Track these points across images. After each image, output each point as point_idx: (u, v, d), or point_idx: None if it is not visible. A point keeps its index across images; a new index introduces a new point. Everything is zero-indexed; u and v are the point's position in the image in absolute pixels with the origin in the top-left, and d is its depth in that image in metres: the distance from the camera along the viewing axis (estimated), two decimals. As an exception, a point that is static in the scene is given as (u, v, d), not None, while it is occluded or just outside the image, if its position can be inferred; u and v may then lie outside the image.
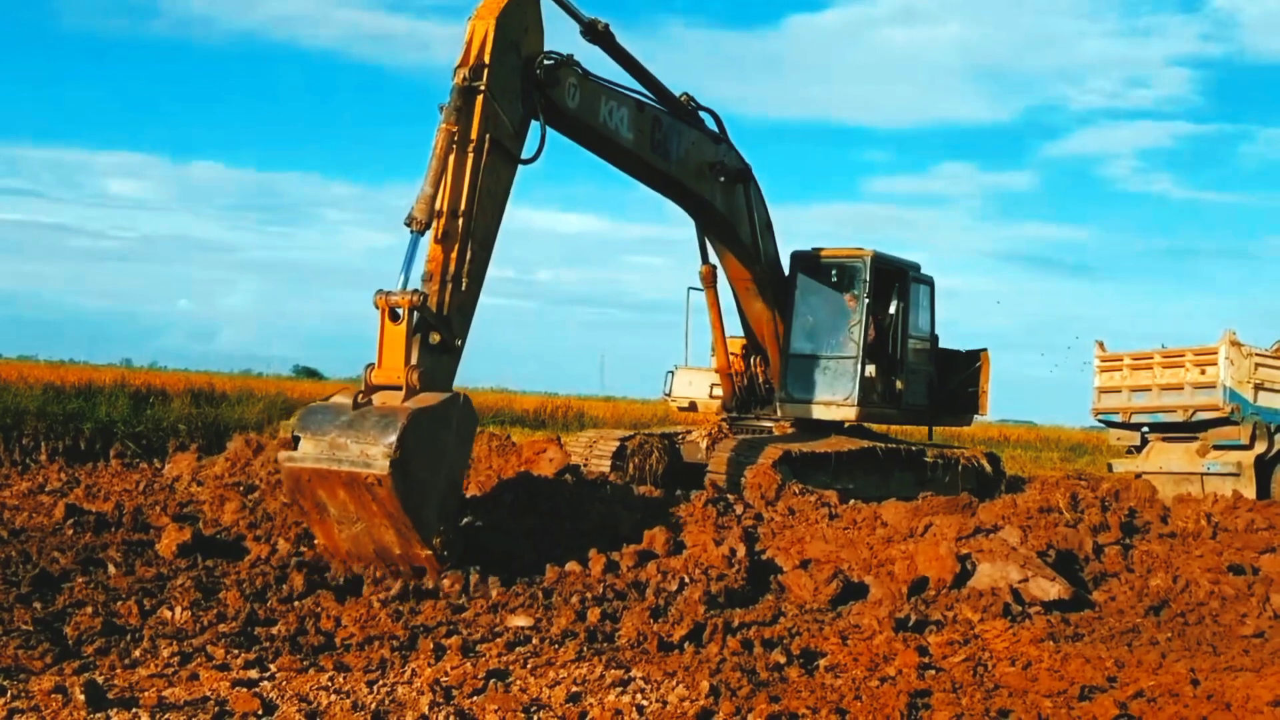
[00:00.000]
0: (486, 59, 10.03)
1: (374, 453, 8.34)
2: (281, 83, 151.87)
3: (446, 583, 8.55)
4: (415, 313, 9.15)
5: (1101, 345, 20.11)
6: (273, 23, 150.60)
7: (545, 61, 10.85)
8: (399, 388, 8.89)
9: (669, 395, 17.70)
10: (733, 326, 16.51)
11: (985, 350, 17.94)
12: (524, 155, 10.65)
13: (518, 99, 10.55)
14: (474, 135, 9.95)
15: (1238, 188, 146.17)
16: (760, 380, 16.49)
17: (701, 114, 13.98)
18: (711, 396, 16.79)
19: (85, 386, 24.03)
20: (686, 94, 13.62)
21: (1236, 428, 17.89)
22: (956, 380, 17.69)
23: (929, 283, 17.41)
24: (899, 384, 16.57)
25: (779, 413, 16.13)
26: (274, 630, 7.11)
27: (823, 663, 7.08)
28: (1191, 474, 18.16)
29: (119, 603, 7.56)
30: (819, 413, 16.01)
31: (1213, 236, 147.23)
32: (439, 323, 9.48)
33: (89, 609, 7.34)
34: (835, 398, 15.93)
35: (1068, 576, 9.51)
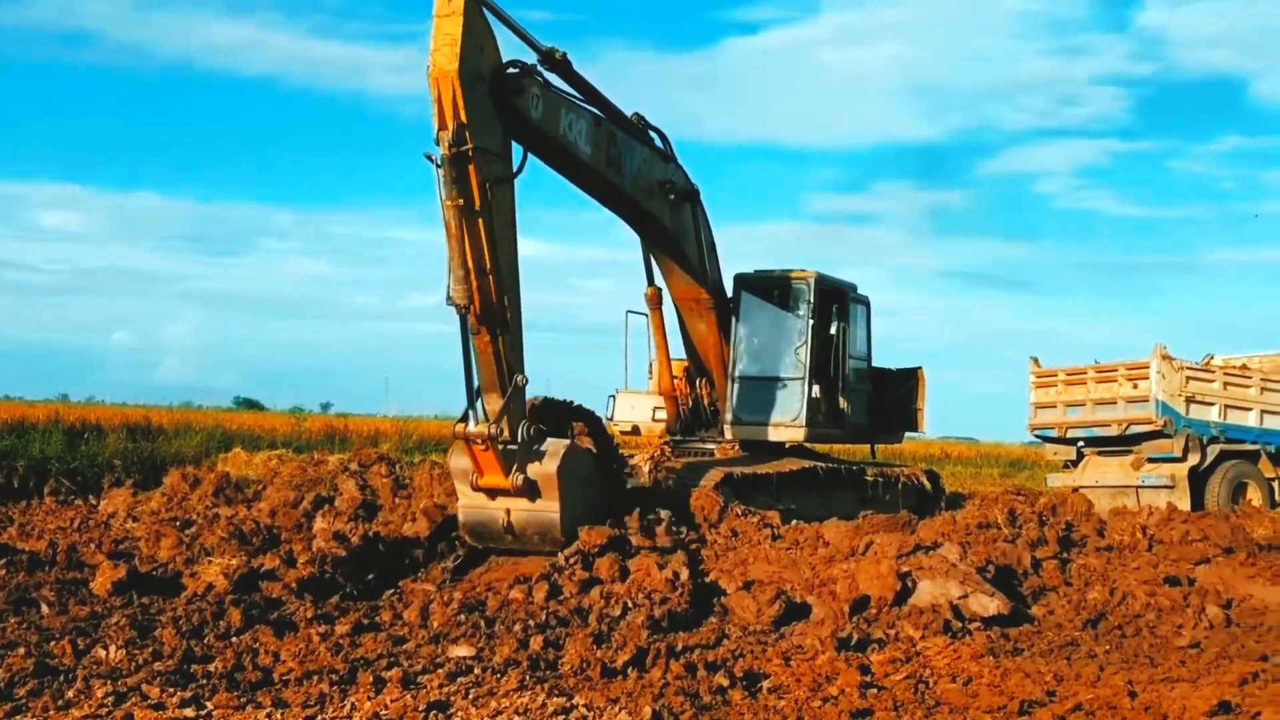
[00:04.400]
0: (464, 116, 9.97)
1: None
2: (218, 111, 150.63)
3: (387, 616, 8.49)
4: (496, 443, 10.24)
5: (1036, 361, 20.38)
6: (207, 51, 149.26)
7: (510, 70, 10.86)
8: (509, 491, 10.49)
9: (611, 419, 17.68)
10: (675, 349, 16.55)
11: (920, 369, 18.10)
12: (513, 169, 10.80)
13: (495, 122, 10.56)
14: (477, 198, 10.06)
15: (1170, 203, 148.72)
16: (705, 402, 16.46)
17: (651, 134, 14.06)
18: (655, 420, 16.75)
19: (18, 423, 23.65)
20: (638, 113, 13.70)
21: (1170, 440, 18.21)
22: (892, 398, 17.83)
23: (865, 303, 17.56)
24: (842, 403, 16.68)
25: (726, 435, 16.13)
26: (211, 667, 7.01)
27: (766, 684, 7.09)
28: (1127, 487, 18.43)
29: (52, 643, 7.42)
30: (767, 434, 16.06)
31: (1149, 251, 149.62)
32: (512, 416, 10.44)
33: (21, 650, 7.20)
34: (783, 419, 15.97)
35: (1007, 592, 9.59)
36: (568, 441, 11.03)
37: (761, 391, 16.19)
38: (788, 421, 15.96)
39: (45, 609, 8.60)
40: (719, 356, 16.08)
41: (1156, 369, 18.37)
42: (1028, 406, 20.45)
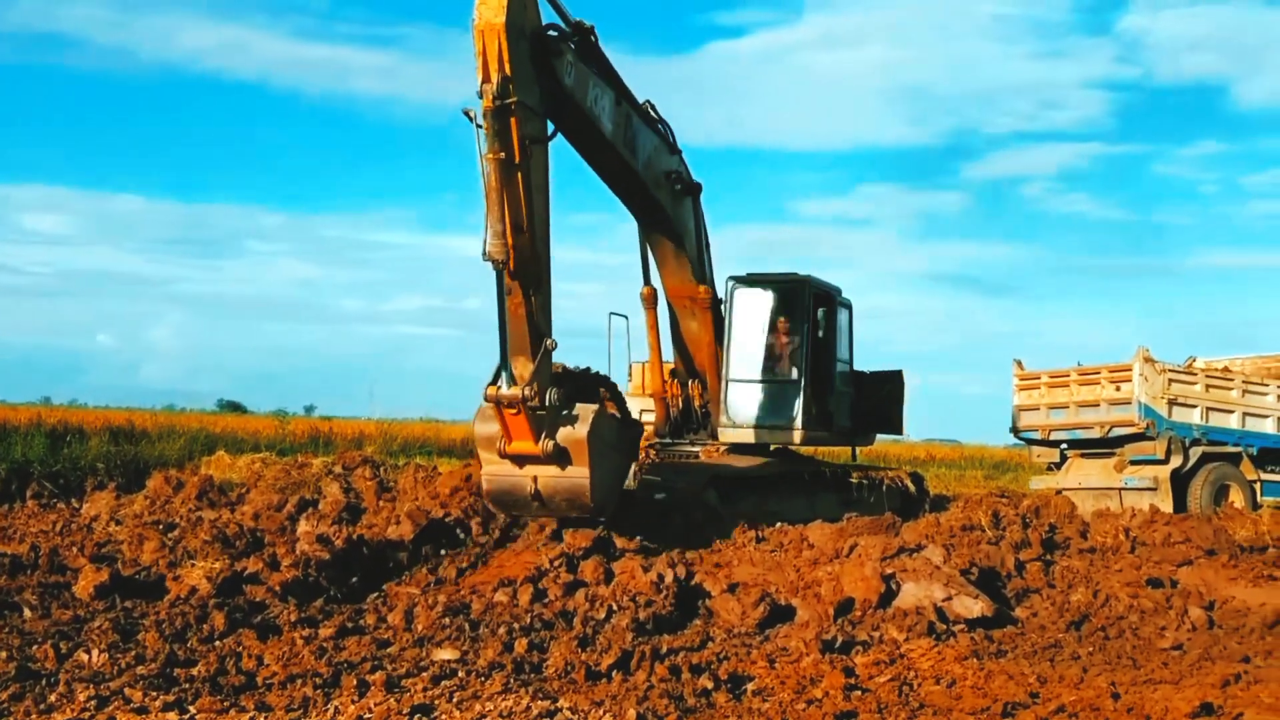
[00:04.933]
0: (509, 70, 9.94)
1: None
2: (204, 114, 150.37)
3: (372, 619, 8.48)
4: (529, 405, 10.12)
5: (1020, 364, 20.43)
6: (193, 54, 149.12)
7: (551, 33, 10.91)
8: (539, 457, 10.30)
9: None
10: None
11: (901, 372, 18.16)
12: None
13: (534, 82, 10.55)
14: (517, 152, 10.05)
15: (1153, 206, 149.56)
16: (696, 404, 16.42)
17: (659, 125, 14.08)
18: (641, 422, 16.72)
19: (0, 426, 23.53)
20: (649, 101, 13.73)
21: (1152, 443, 18.27)
22: (873, 401, 17.86)
23: (849, 306, 17.61)
24: (830, 406, 16.73)
25: (720, 437, 16.11)
26: (194, 671, 6.99)
27: (750, 687, 7.09)
28: (1110, 489, 18.50)
29: (34, 646, 7.38)
30: (763, 436, 16.08)
31: (1131, 254, 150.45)
32: (541, 379, 10.29)
33: (3, 654, 7.15)
34: (780, 421, 16.02)
35: (990, 594, 9.61)
36: (596, 406, 10.96)
37: (757, 394, 16.21)
38: (785, 424, 16.03)
39: (27, 612, 8.56)
40: (712, 357, 16.05)
41: (1139, 371, 18.44)
42: (1011, 409, 20.50)
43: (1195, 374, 19.58)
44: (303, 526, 11.65)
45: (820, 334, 16.63)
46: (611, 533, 11.16)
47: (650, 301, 15.86)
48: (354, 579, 10.23)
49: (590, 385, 12.12)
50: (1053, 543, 11.44)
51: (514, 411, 10.20)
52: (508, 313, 10.33)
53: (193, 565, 9.95)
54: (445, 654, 7.57)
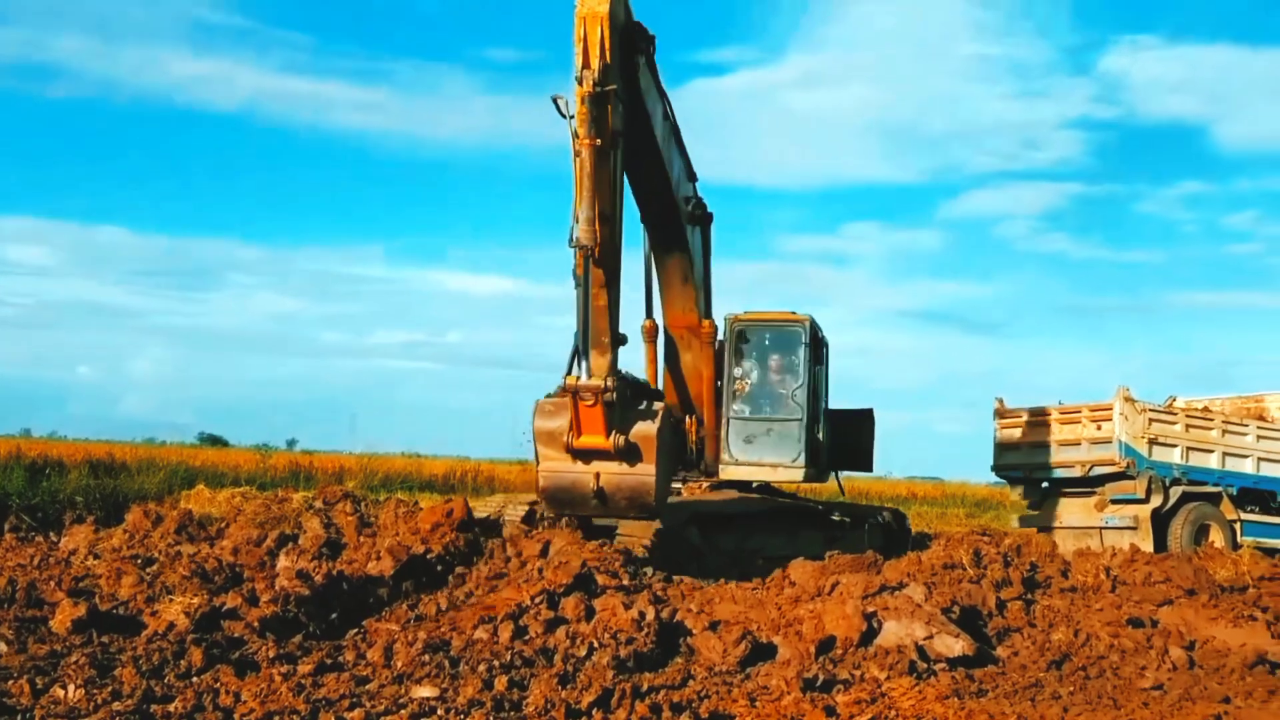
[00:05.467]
0: (609, 57, 10.09)
1: None
2: (187, 146, 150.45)
3: (350, 656, 8.43)
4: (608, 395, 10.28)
5: (1001, 402, 20.50)
6: (178, 86, 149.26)
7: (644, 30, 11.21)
8: (609, 453, 10.43)
9: None
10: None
11: (871, 410, 18.26)
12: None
13: (621, 74, 10.74)
14: (611, 137, 10.26)
15: (1132, 246, 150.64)
16: (692, 440, 16.27)
17: None
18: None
19: (-22, 458, 23.40)
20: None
21: (1133, 482, 18.36)
22: (844, 438, 17.92)
23: (827, 344, 17.70)
24: (821, 443, 16.82)
25: (721, 474, 16.12)
26: (171, 707, 6.94)
27: (731, 726, 7.07)
28: (1090, 528, 18.57)
29: (10, 682, 7.31)
30: (765, 474, 16.15)
31: (1111, 294, 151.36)
32: (617, 372, 10.47)
33: (-23, 690, 7.10)
34: (782, 460, 16.14)
35: (972, 632, 9.61)
36: (663, 404, 10.98)
37: (759, 432, 16.28)
38: (788, 462, 16.16)
39: (3, 647, 8.48)
40: (710, 392, 16.06)
41: (1120, 411, 18.55)
42: (993, 447, 20.57)
43: (1175, 414, 19.69)
44: (282, 562, 11.59)
45: (816, 373, 16.72)
46: (594, 569, 11.13)
47: (651, 335, 15.85)
48: (334, 615, 10.17)
49: (641, 391, 12.14)
50: (1034, 581, 11.44)
51: (590, 403, 10.24)
52: (590, 303, 10.39)
53: (171, 600, 9.89)
54: (425, 691, 7.53)
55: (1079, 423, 19.32)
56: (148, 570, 11.38)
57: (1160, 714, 7.67)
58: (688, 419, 16.19)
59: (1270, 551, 17.72)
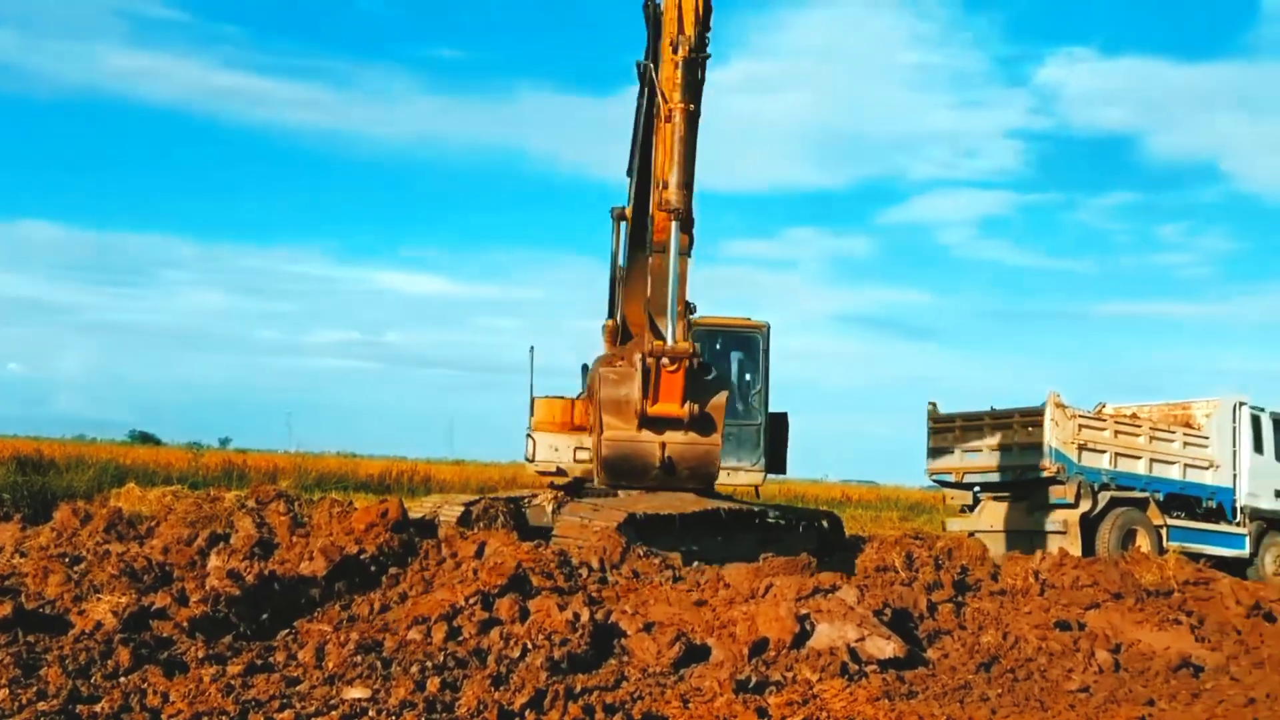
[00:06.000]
0: (706, 25, 10.31)
1: None
2: (120, 141, 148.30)
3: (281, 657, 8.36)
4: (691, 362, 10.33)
5: (935, 406, 20.71)
6: (108, 78, 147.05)
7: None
8: (682, 421, 10.55)
9: (532, 460, 17.48)
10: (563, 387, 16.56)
11: (786, 413, 18.46)
12: None
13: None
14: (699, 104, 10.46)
15: (1066, 254, 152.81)
16: None
17: None
18: (576, 460, 16.57)
19: (-100, 455, 22.95)
20: None
21: (1062, 487, 18.60)
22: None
23: None
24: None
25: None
26: (97, 708, 6.84)
27: (663, 727, 7.09)
28: (1021, 532, 18.79)
29: (-70, 683, 7.19)
30: (728, 478, 16.29)
31: (1045, 301, 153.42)
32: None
33: (-103, 690, 6.96)
34: (744, 463, 16.52)
35: (903, 634, 9.70)
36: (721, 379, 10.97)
37: (732, 435, 16.42)
38: (749, 465, 16.63)
39: (-76, 647, 8.31)
40: None
41: (1050, 416, 18.80)
42: (926, 451, 20.77)
43: (1105, 420, 19.99)
44: (213, 561, 11.46)
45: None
46: (529, 570, 11.11)
47: (614, 336, 15.84)
48: (265, 615, 10.07)
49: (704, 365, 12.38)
50: (964, 584, 11.58)
51: (674, 369, 10.16)
52: (675, 269, 10.38)
53: (99, 599, 9.75)
54: (356, 692, 7.48)
55: (1011, 428, 19.56)
56: (75, 569, 11.20)
57: (1086, 716, 7.80)
58: None
59: (1195, 556, 18.06)
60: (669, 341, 10.06)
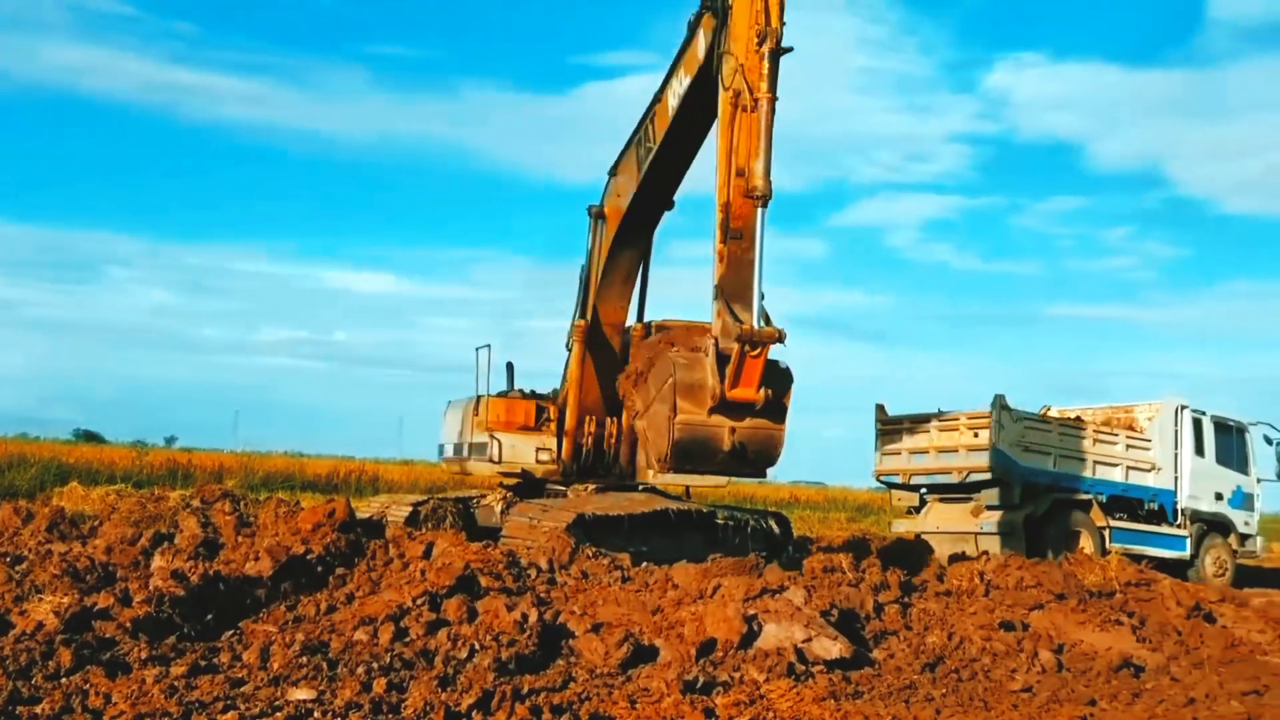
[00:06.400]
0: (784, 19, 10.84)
1: None
2: (67, 136, 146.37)
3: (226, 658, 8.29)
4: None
5: (882, 409, 20.84)
6: (55, 72, 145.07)
7: None
8: (752, 404, 10.72)
9: (499, 461, 17.33)
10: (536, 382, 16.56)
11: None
12: None
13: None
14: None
15: (1012, 258, 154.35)
16: (612, 443, 16.25)
17: None
18: (538, 461, 16.52)
19: None
20: None
21: (1008, 489, 18.77)
22: None
23: None
24: None
25: (654, 481, 16.23)
26: (38, 709, 6.76)
27: (611, 727, 7.10)
28: (966, 533, 18.94)
29: None
30: (694, 480, 16.31)
31: (991, 304, 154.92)
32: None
33: None
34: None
35: (850, 635, 9.76)
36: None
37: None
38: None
39: None
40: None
41: (996, 419, 18.96)
42: (874, 453, 20.90)
43: (1049, 422, 20.20)
44: (157, 561, 11.35)
45: None
46: (477, 571, 11.09)
47: (583, 335, 15.81)
48: (209, 616, 9.98)
49: None
50: (910, 585, 11.67)
51: (756, 354, 10.47)
52: (758, 255, 10.71)
53: (40, 599, 9.61)
54: (301, 694, 7.43)
55: (957, 430, 19.71)
56: (17, 569, 11.04)
57: (1029, 716, 7.88)
58: (609, 421, 16.28)
59: (1137, 558, 18.30)
60: (755, 326, 10.42)
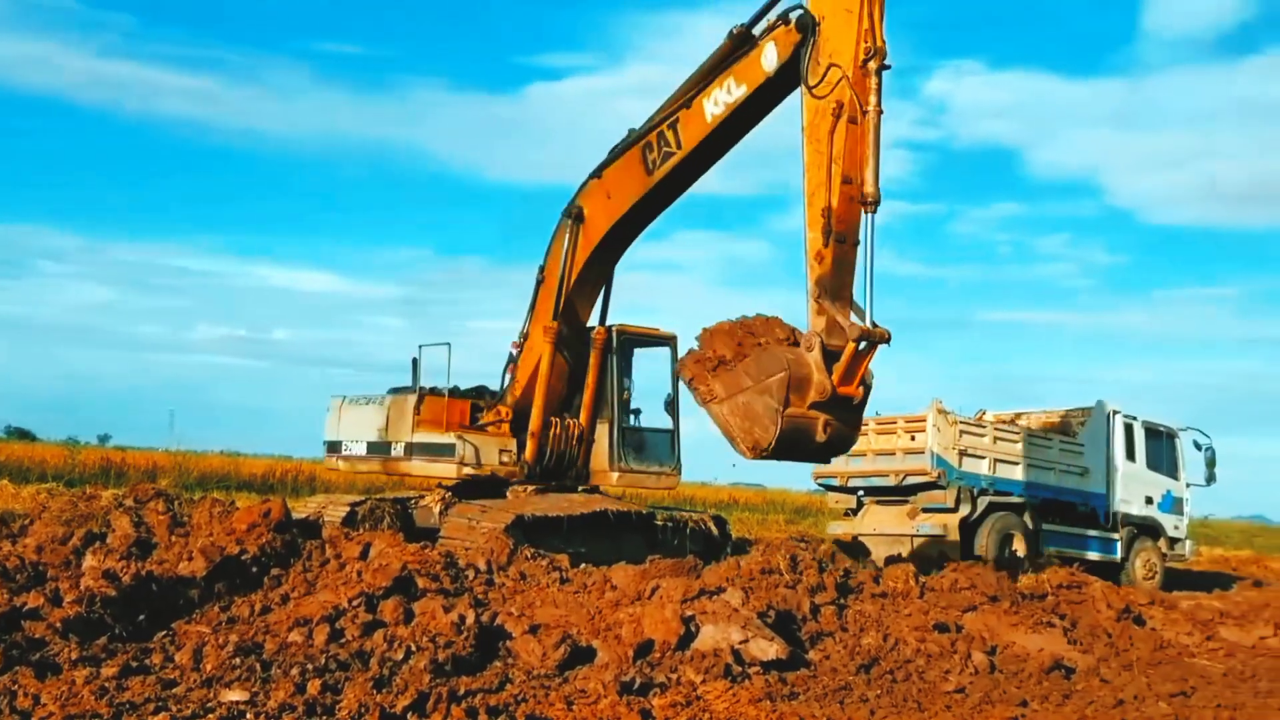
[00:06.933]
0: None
1: None
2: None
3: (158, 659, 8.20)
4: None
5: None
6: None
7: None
8: (852, 399, 11.46)
9: (465, 463, 17.11)
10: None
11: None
12: None
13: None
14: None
15: (950, 263, 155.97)
16: (574, 446, 16.38)
17: None
18: (500, 463, 16.40)
19: None
20: None
21: (943, 492, 18.95)
22: None
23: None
24: None
25: (615, 482, 16.63)
26: (-36, 712, 6.65)
27: (547, 729, 7.10)
28: (902, 535, 19.09)
29: None
30: (650, 482, 17.10)
31: (930, 309, 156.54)
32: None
33: None
34: (663, 468, 16.96)
35: (786, 636, 9.83)
36: None
37: (645, 441, 16.94)
38: (668, 470, 17.01)
39: None
40: (593, 400, 16.40)
41: (932, 423, 19.13)
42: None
43: (985, 426, 20.41)
44: (89, 561, 11.19)
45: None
46: (414, 572, 11.04)
47: (555, 336, 15.81)
48: (141, 617, 9.86)
49: None
50: (847, 587, 11.76)
51: (865, 351, 11.24)
52: (869, 258, 11.37)
53: (-34, 600, 9.46)
54: (234, 695, 7.37)
55: (894, 433, 19.87)
56: (-58, 568, 10.86)
57: (962, 716, 7.98)
58: (572, 424, 16.38)
59: (1069, 560, 18.56)
60: (868, 325, 11.18)
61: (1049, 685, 9.63)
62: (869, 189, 11.40)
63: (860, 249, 11.53)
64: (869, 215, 11.45)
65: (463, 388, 16.68)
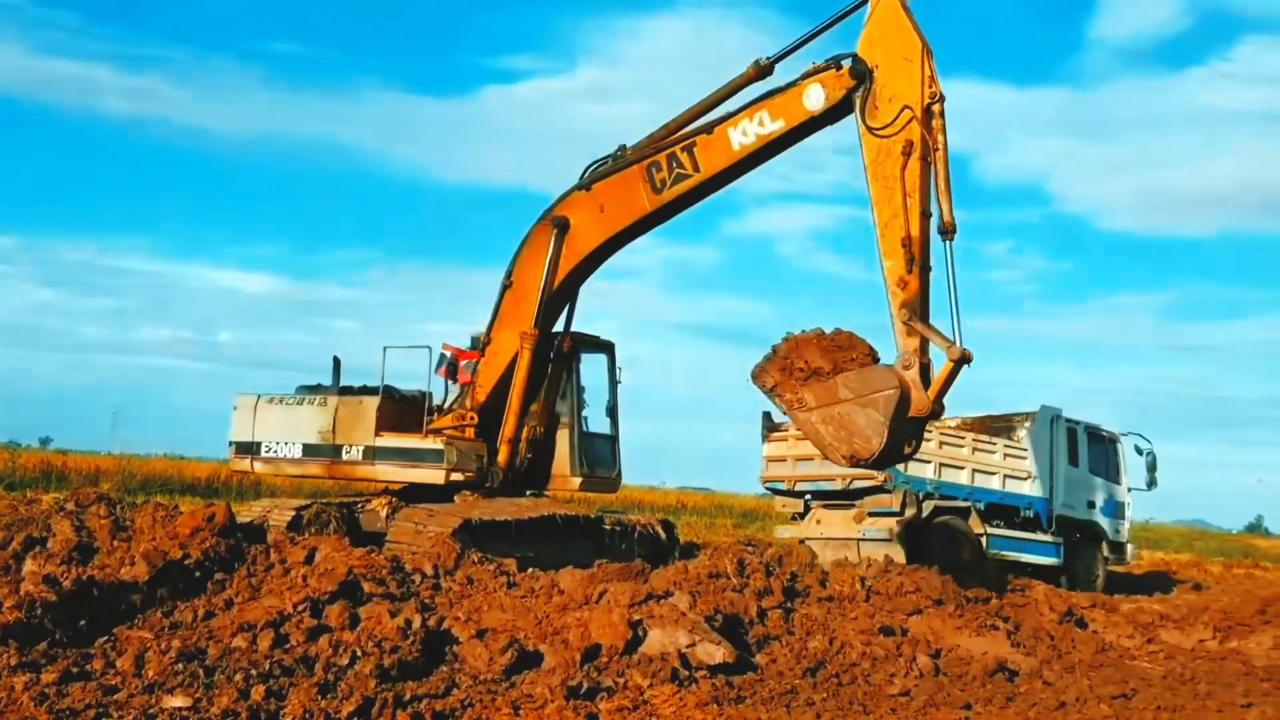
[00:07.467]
0: None
1: None
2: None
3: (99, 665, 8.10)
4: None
5: (769, 416, 21.01)
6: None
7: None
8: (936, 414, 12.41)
9: (453, 467, 16.87)
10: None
11: None
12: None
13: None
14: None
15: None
16: (538, 451, 16.49)
17: None
18: (479, 469, 16.13)
19: None
20: None
21: (889, 495, 19.06)
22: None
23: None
24: None
25: (575, 487, 16.95)
26: (-101, 720, 6.54)
27: (494, 734, 7.08)
28: (849, 539, 19.17)
29: None
30: (599, 487, 17.44)
31: (878, 313, 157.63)
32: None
33: None
34: (609, 473, 17.32)
35: (733, 640, 9.86)
36: None
37: (598, 446, 17.24)
38: (612, 475, 17.39)
39: None
40: (553, 404, 16.58)
41: (880, 427, 19.21)
42: (760, 460, 21.07)
43: (930, 431, 20.54)
44: (29, 566, 11.05)
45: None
46: (360, 577, 10.98)
47: (533, 342, 15.72)
48: (82, 622, 9.73)
49: None
50: (794, 591, 11.81)
51: (957, 370, 11.89)
52: (953, 283, 12.11)
53: (-98, 606, 9.30)
54: (176, 701, 7.30)
55: (842, 438, 19.92)
56: (-124, 574, 10.68)
57: (906, 719, 8.03)
58: (538, 430, 16.37)
59: (1013, 564, 18.76)
60: (959, 346, 11.84)
61: (993, 688, 9.72)
62: (947, 219, 12.26)
63: (945, 275, 12.28)
64: (947, 243, 12.26)
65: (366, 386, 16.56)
